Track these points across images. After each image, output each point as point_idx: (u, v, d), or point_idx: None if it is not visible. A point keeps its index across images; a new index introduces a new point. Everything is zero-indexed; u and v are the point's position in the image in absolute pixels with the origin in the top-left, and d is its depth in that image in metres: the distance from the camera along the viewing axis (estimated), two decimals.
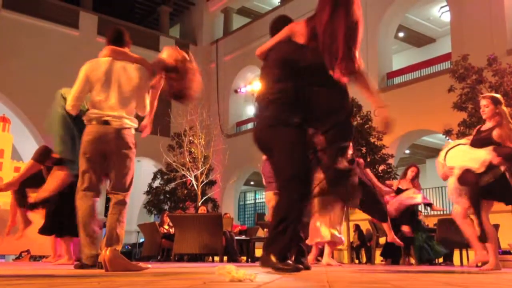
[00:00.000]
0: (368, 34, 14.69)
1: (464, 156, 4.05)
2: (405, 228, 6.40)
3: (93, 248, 3.27)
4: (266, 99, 2.74)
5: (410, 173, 6.71)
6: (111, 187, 3.39)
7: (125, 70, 3.45)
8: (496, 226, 7.97)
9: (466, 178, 3.97)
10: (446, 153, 4.22)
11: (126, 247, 13.85)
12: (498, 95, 4.36)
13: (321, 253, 5.87)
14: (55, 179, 4.64)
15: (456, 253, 7.76)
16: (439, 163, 4.30)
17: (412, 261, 6.94)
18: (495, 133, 4.03)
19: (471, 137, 4.35)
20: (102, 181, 3.46)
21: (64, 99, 3.67)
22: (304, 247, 3.64)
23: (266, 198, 6.01)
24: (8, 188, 5.17)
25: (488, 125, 4.17)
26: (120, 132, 3.37)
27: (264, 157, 5.74)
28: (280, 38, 2.94)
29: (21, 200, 5.09)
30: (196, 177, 14.49)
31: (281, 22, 3.29)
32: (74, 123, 3.65)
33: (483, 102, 4.21)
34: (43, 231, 5.11)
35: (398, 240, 6.05)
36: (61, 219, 4.96)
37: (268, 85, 2.80)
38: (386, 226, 5.82)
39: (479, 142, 4.08)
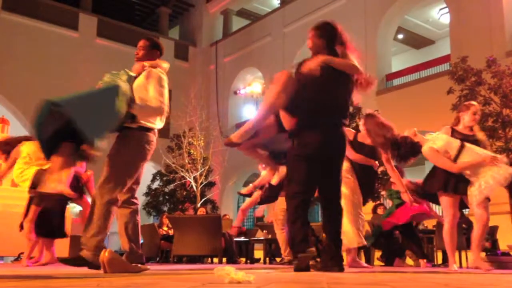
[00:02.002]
0: (368, 36, 14.71)
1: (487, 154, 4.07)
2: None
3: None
4: None
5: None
6: (132, 196, 3.55)
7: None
8: (495, 228, 7.99)
9: None
10: (463, 146, 4.06)
11: None
12: None
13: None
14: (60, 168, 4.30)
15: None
16: (440, 152, 4.07)
17: (410, 262, 6.94)
18: (482, 138, 4.27)
19: (443, 133, 4.33)
20: None
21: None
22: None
23: None
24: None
25: (465, 129, 4.28)
26: None
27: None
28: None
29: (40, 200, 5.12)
30: (195, 179, 14.48)
31: (335, 30, 3.56)
32: None
33: (477, 109, 4.31)
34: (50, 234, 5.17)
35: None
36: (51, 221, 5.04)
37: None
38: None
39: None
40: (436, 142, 4.14)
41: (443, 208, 4.23)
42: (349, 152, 4.89)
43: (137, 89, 3.34)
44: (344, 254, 5.48)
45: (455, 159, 4.03)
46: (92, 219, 3.20)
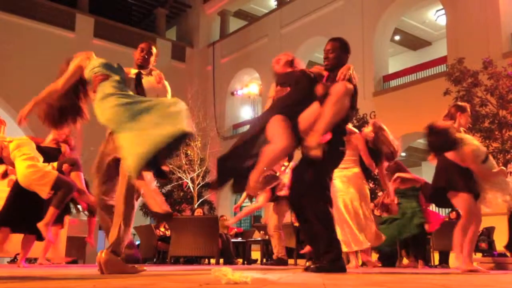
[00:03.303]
0: (364, 38, 14.74)
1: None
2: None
3: None
4: None
5: None
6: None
7: None
8: (492, 229, 8.01)
9: None
10: (488, 154, 4.11)
11: None
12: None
13: None
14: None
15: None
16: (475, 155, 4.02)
17: (405, 261, 6.96)
18: None
19: (471, 137, 4.36)
20: None
21: None
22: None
23: None
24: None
25: (458, 129, 4.26)
26: None
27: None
28: None
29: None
30: (192, 180, 14.47)
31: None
32: None
33: (470, 112, 4.37)
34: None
35: None
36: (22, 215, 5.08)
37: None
38: None
39: None
40: (473, 144, 4.08)
41: (463, 207, 4.06)
42: (366, 157, 4.92)
43: (152, 92, 3.55)
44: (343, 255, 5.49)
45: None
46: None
